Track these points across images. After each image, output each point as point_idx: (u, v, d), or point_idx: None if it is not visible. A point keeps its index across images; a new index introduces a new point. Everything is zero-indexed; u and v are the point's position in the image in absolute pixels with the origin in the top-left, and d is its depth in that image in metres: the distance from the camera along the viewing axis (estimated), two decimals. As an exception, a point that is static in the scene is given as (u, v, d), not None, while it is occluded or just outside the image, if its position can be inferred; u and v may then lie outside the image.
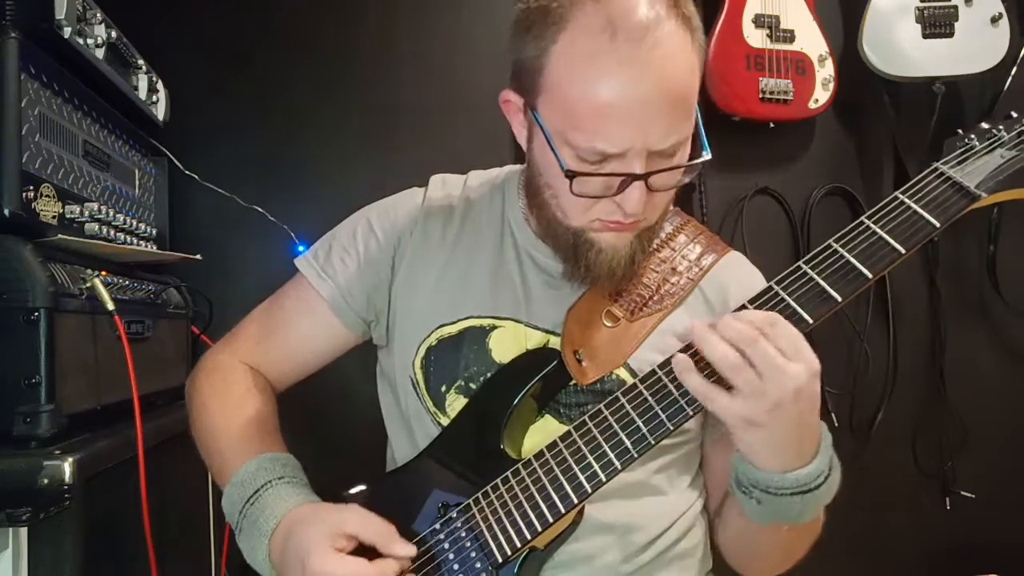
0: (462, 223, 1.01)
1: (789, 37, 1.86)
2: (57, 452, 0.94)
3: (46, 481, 0.91)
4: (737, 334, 0.74)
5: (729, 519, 0.96)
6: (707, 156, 0.84)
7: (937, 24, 1.85)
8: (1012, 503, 2.03)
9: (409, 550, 0.81)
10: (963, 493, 2.02)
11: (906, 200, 0.82)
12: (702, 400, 0.76)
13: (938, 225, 0.80)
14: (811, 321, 0.78)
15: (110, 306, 1.09)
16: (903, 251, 0.79)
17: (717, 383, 0.76)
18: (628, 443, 0.80)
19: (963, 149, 0.85)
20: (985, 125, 0.87)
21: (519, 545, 0.82)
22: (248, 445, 0.93)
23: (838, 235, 0.82)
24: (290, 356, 1.04)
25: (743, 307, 0.80)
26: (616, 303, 0.93)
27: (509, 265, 0.98)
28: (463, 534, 0.85)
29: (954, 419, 2.02)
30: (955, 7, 1.85)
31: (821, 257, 0.81)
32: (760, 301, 0.80)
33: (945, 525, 2.04)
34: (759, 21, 1.85)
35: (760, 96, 1.84)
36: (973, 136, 0.86)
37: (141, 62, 1.47)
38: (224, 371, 1.02)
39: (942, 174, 0.83)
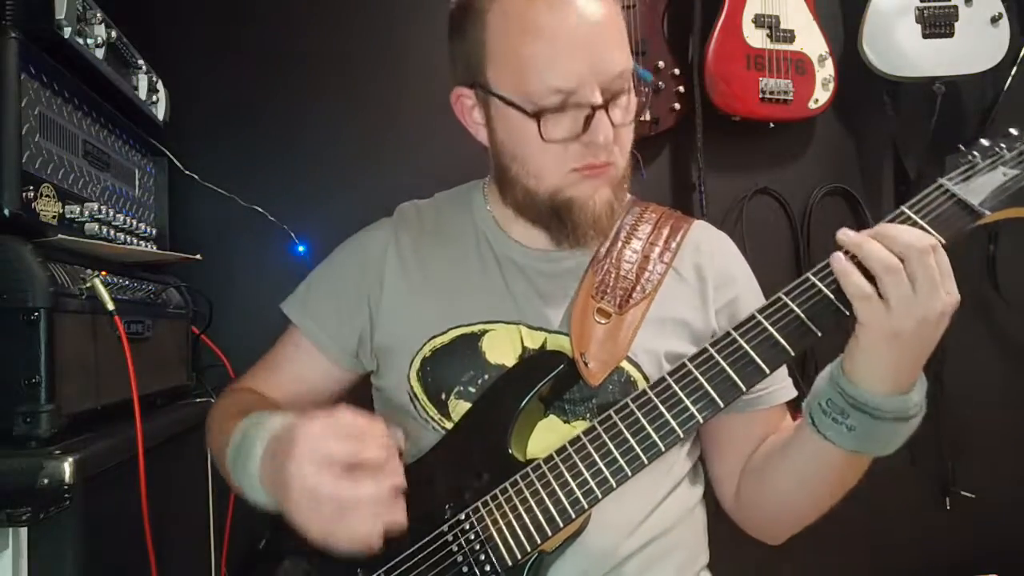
0: (434, 241, 1.05)
1: (789, 37, 1.86)
2: (57, 452, 0.94)
3: (46, 481, 0.91)
4: (906, 246, 0.75)
5: (778, 468, 0.93)
6: (650, 78, 0.92)
7: (937, 24, 1.85)
8: (1012, 503, 2.02)
9: (393, 464, 0.77)
10: (963, 493, 2.02)
11: (912, 215, 0.81)
12: (858, 300, 0.76)
13: (943, 242, 0.79)
14: (819, 334, 0.79)
15: (110, 306, 1.09)
16: None
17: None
18: (639, 449, 0.81)
19: (966, 166, 0.85)
20: (985, 142, 0.87)
21: (529, 549, 0.82)
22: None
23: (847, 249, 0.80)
24: (293, 398, 1.07)
25: (752, 316, 0.81)
26: (604, 299, 0.96)
27: (489, 268, 1.01)
28: (472, 537, 0.84)
29: (954, 419, 2.02)
30: (955, 7, 1.85)
31: (829, 269, 0.80)
32: (768, 311, 0.81)
33: (945, 525, 2.04)
34: (759, 21, 1.85)
35: (760, 96, 1.84)
36: (976, 153, 0.86)
37: (141, 62, 1.47)
38: (234, 394, 1.08)
39: (947, 191, 0.83)
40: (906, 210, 0.81)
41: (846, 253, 0.78)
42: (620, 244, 1.01)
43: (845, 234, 0.79)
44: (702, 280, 1.01)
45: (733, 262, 1.07)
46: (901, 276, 0.74)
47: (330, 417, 0.77)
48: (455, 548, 0.85)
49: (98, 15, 1.23)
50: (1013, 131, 0.87)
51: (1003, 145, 0.86)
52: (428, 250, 1.05)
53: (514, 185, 0.96)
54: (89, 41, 1.20)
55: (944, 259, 0.76)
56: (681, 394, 0.81)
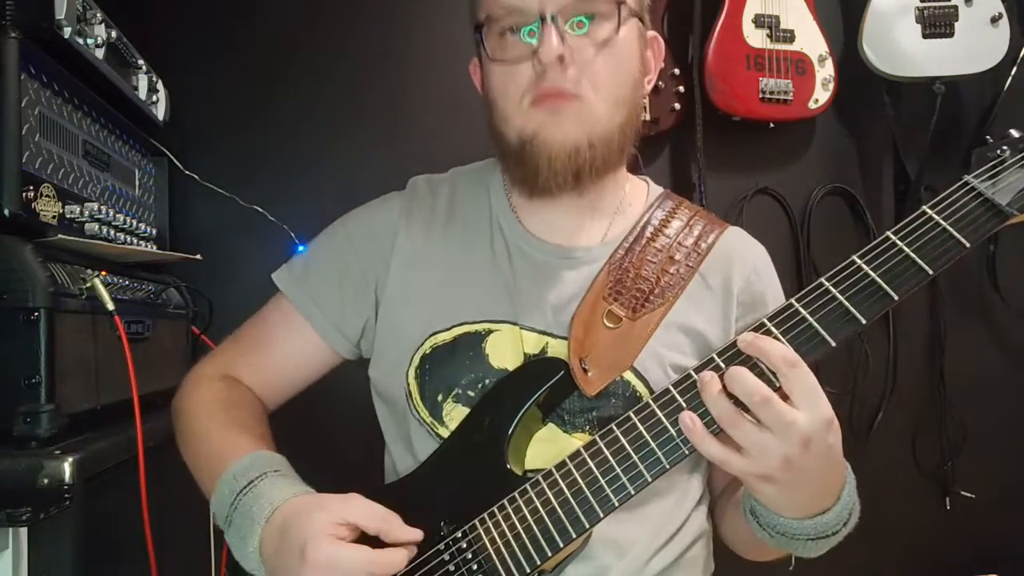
0: (447, 224, 0.99)
1: (789, 37, 1.86)
2: (57, 452, 0.94)
3: (46, 481, 0.91)
4: (746, 393, 0.71)
5: (735, 523, 0.93)
6: None
7: (937, 24, 1.85)
8: (1012, 503, 2.03)
9: (415, 534, 0.79)
10: (963, 493, 2.02)
11: (935, 216, 0.77)
12: (720, 465, 0.75)
13: (968, 245, 0.75)
14: (834, 344, 0.75)
15: (110, 306, 1.09)
16: (930, 272, 0.75)
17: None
18: (642, 467, 0.77)
19: (995, 162, 0.79)
20: (1016, 134, 0.81)
21: (528, 570, 0.79)
22: (240, 442, 0.91)
23: (862, 251, 0.77)
24: (275, 373, 1.03)
25: (761, 323, 0.77)
26: (616, 302, 0.90)
27: (500, 263, 0.95)
28: (469, 556, 0.81)
29: (954, 419, 2.02)
30: (955, 7, 1.85)
31: (844, 274, 0.76)
32: (780, 319, 0.76)
33: (945, 525, 2.04)
34: (759, 21, 1.85)
35: (760, 96, 1.84)
36: (1005, 147, 0.80)
37: (141, 62, 1.47)
38: (211, 381, 1.00)
39: (973, 189, 0.77)
40: (928, 210, 0.77)
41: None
42: (645, 241, 0.94)
43: (700, 377, 0.76)
44: (728, 294, 0.94)
45: (766, 281, 0.98)
46: (746, 426, 0.71)
47: (347, 501, 0.80)
48: (452, 568, 0.81)
49: (98, 15, 1.23)
50: None
51: None
52: (439, 235, 0.98)
53: (497, 140, 0.91)
54: (89, 41, 1.20)
55: (803, 380, 0.71)
56: (687, 408, 0.77)
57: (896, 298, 0.75)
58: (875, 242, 0.77)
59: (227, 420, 0.95)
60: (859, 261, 0.77)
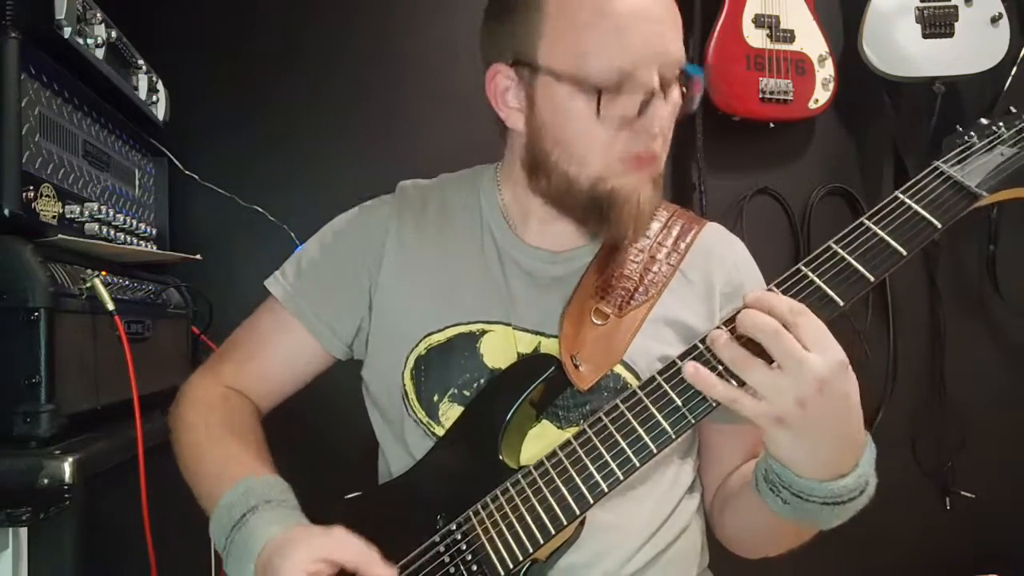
0: (438, 228, 1.00)
1: (789, 37, 1.86)
2: (57, 452, 0.94)
3: (46, 481, 0.91)
4: (756, 327, 0.72)
5: (739, 506, 0.94)
6: (700, 74, 0.90)
7: (937, 24, 1.85)
8: (1012, 503, 2.03)
9: (390, 572, 0.79)
10: (963, 493, 2.02)
11: (907, 200, 0.79)
12: (730, 406, 0.74)
13: (939, 226, 0.78)
14: None
15: (110, 306, 1.09)
16: (904, 253, 0.77)
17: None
18: (630, 452, 0.78)
19: (963, 147, 0.83)
20: (984, 121, 0.84)
21: (521, 558, 0.80)
22: (236, 467, 0.90)
23: (838, 236, 0.79)
24: (271, 377, 1.03)
25: (732, 318, 0.78)
26: (603, 300, 0.93)
27: (492, 267, 0.97)
28: (463, 547, 0.83)
29: (954, 419, 2.02)
30: (955, 7, 1.85)
31: (821, 259, 0.78)
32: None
33: (945, 525, 2.04)
34: (759, 21, 1.85)
35: (760, 96, 1.84)
36: (973, 133, 0.84)
37: (141, 62, 1.47)
38: (209, 396, 1.00)
39: (942, 173, 0.81)
40: (900, 195, 0.80)
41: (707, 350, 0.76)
42: (627, 242, 0.96)
43: (709, 334, 0.76)
44: (710, 287, 0.97)
45: (745, 272, 1.02)
46: (758, 366, 0.72)
47: (327, 536, 0.80)
48: (447, 559, 0.83)
49: (98, 15, 1.23)
50: (1013, 109, 0.85)
51: (1001, 124, 0.83)
52: (430, 237, 0.99)
53: (552, 172, 0.90)
54: (89, 41, 1.20)
55: (813, 324, 0.72)
56: (672, 394, 0.78)
57: (872, 279, 0.77)
58: (850, 227, 0.79)
59: (224, 438, 0.95)
60: (835, 246, 0.79)
